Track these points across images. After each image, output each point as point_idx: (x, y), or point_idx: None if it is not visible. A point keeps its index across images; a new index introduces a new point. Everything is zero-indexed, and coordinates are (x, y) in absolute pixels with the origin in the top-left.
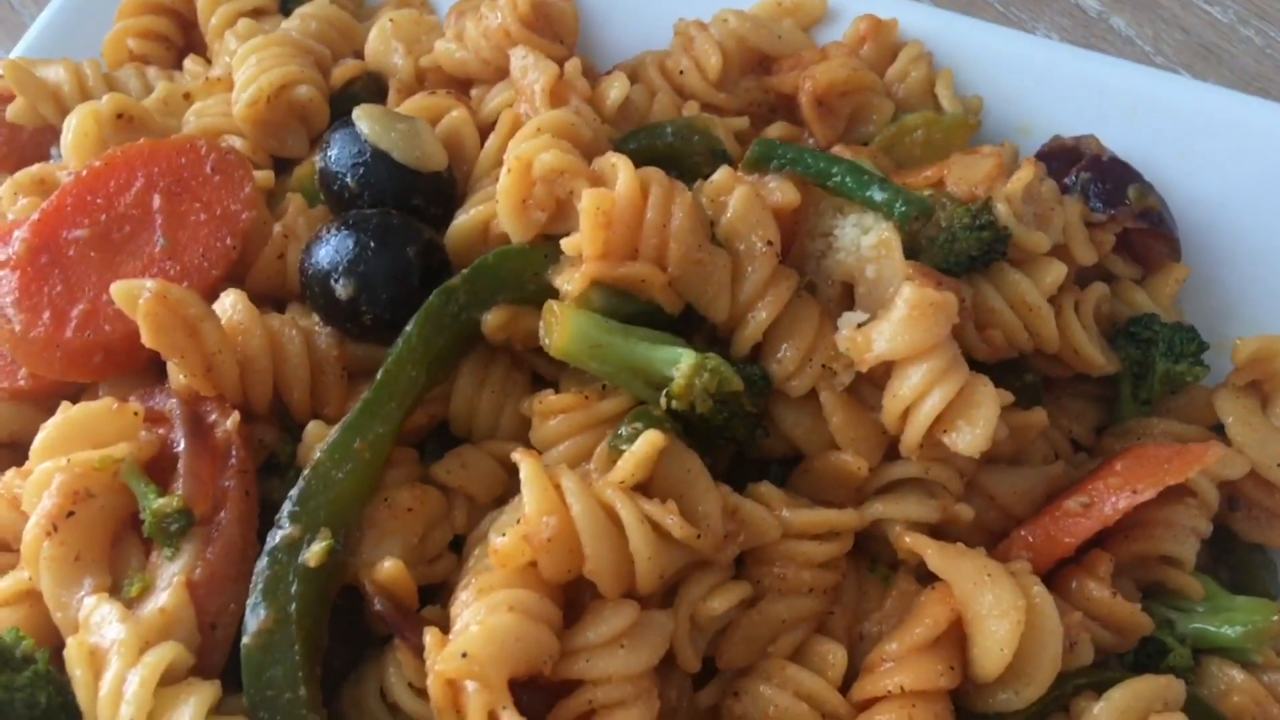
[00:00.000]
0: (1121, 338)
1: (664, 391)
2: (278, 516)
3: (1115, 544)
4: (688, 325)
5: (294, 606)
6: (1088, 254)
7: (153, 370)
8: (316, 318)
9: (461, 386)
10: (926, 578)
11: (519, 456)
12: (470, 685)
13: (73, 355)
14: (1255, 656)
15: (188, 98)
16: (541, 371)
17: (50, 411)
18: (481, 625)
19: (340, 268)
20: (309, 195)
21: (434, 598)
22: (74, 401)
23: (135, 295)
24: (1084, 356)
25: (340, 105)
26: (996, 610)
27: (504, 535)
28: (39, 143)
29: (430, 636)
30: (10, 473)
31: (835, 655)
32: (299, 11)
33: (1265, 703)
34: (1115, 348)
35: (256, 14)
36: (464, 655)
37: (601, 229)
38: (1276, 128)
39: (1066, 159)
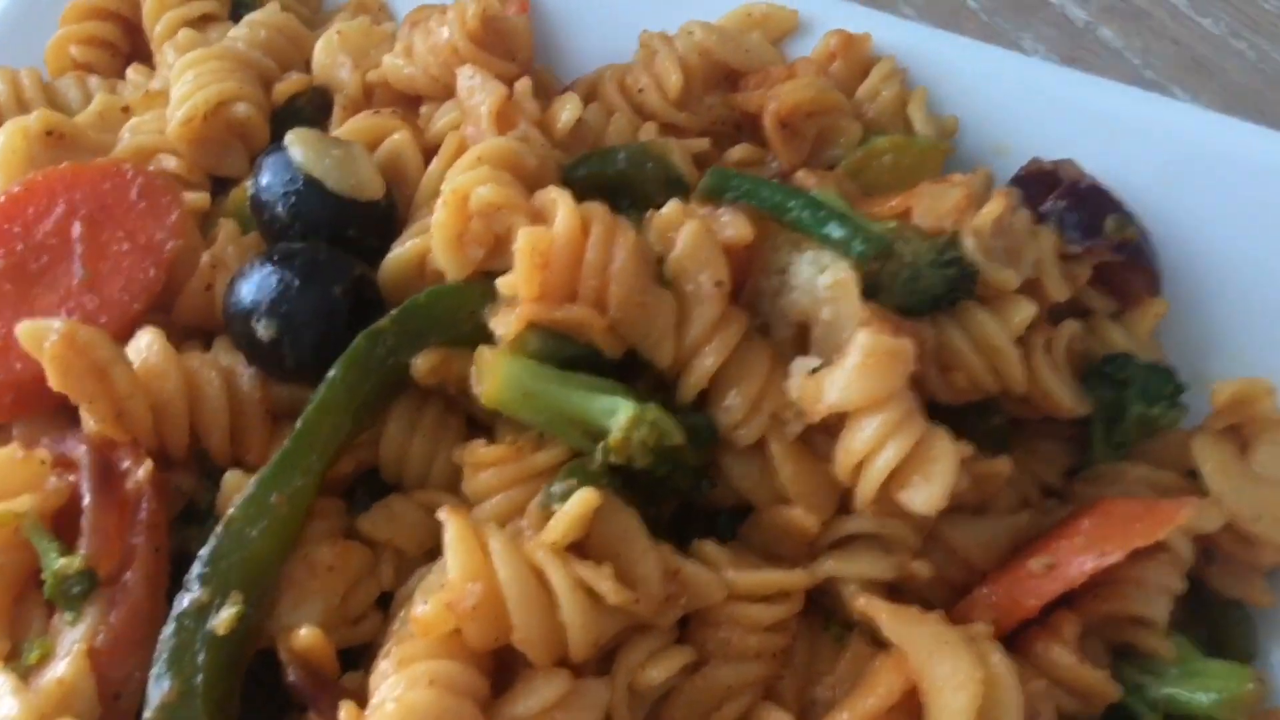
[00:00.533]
0: (1094, 378)
1: (600, 445)
2: (186, 578)
3: (1083, 603)
4: (631, 369)
5: (200, 678)
6: (1061, 290)
7: (67, 411)
8: (241, 356)
9: (391, 433)
10: (881, 640)
11: (444, 515)
12: None
13: None
14: None
15: (126, 111)
16: (477, 416)
17: None
18: (399, 703)
19: (262, 307)
20: (244, 220)
21: (358, 660)
22: None
23: (41, 337)
24: (1053, 400)
25: (284, 122)
26: (953, 681)
27: (425, 603)
28: None
29: (345, 714)
30: None
31: None
32: (248, 19)
33: None
34: (1088, 388)
35: (205, 20)
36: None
37: (538, 270)
38: (1265, 155)
39: (1044, 184)
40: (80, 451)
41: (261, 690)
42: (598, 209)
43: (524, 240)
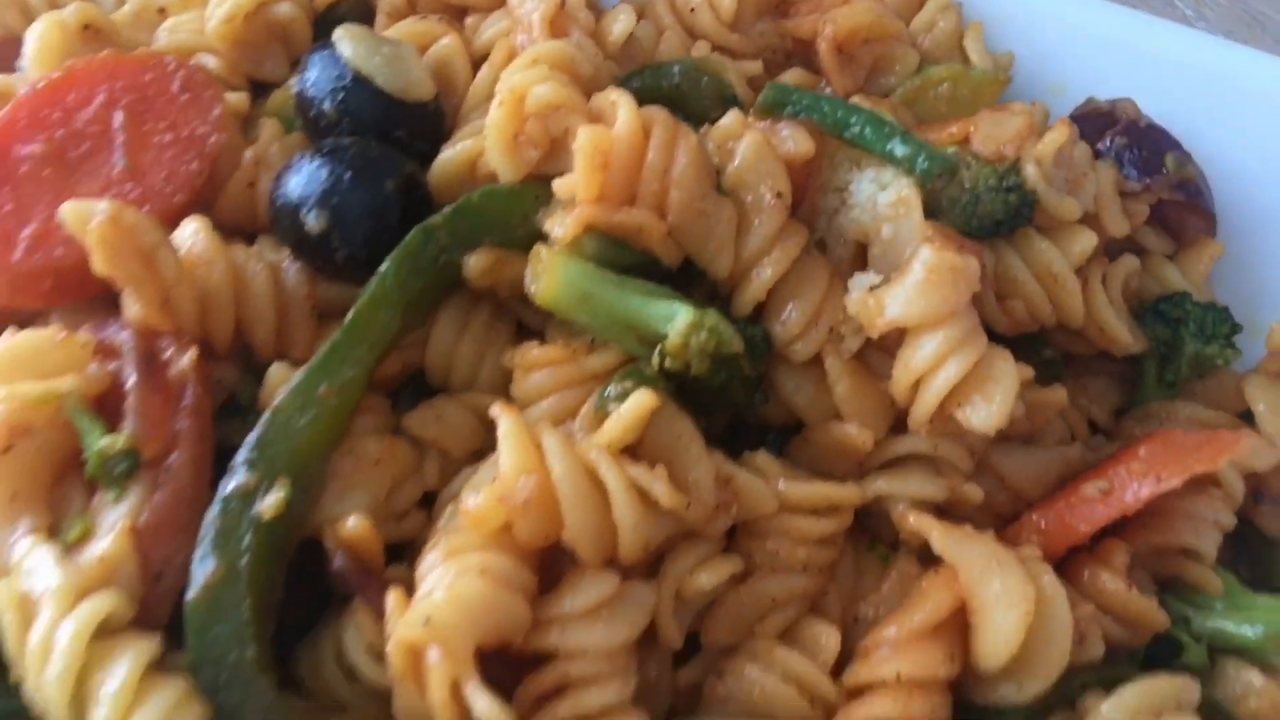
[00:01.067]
0: (1150, 316)
1: (657, 349)
2: (233, 463)
3: (1132, 533)
4: (686, 280)
5: (245, 560)
6: (1120, 225)
7: (108, 301)
8: (286, 253)
9: (439, 333)
10: (929, 560)
11: (498, 411)
12: (433, 654)
13: (20, 280)
14: (1275, 660)
15: (162, 12)
16: (527, 321)
17: None
18: (449, 590)
19: (312, 199)
20: (286, 121)
21: (400, 557)
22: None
23: (86, 218)
24: (1109, 334)
25: (324, 28)
26: (1004, 599)
27: (478, 494)
28: (3, 55)
29: (393, 598)
30: None
31: (828, 638)
32: None
33: None
34: (1142, 326)
35: None
36: (427, 621)
37: (598, 171)
38: None
39: (1100, 123)
40: (124, 336)
41: (303, 583)
42: (659, 112)
43: (585, 139)
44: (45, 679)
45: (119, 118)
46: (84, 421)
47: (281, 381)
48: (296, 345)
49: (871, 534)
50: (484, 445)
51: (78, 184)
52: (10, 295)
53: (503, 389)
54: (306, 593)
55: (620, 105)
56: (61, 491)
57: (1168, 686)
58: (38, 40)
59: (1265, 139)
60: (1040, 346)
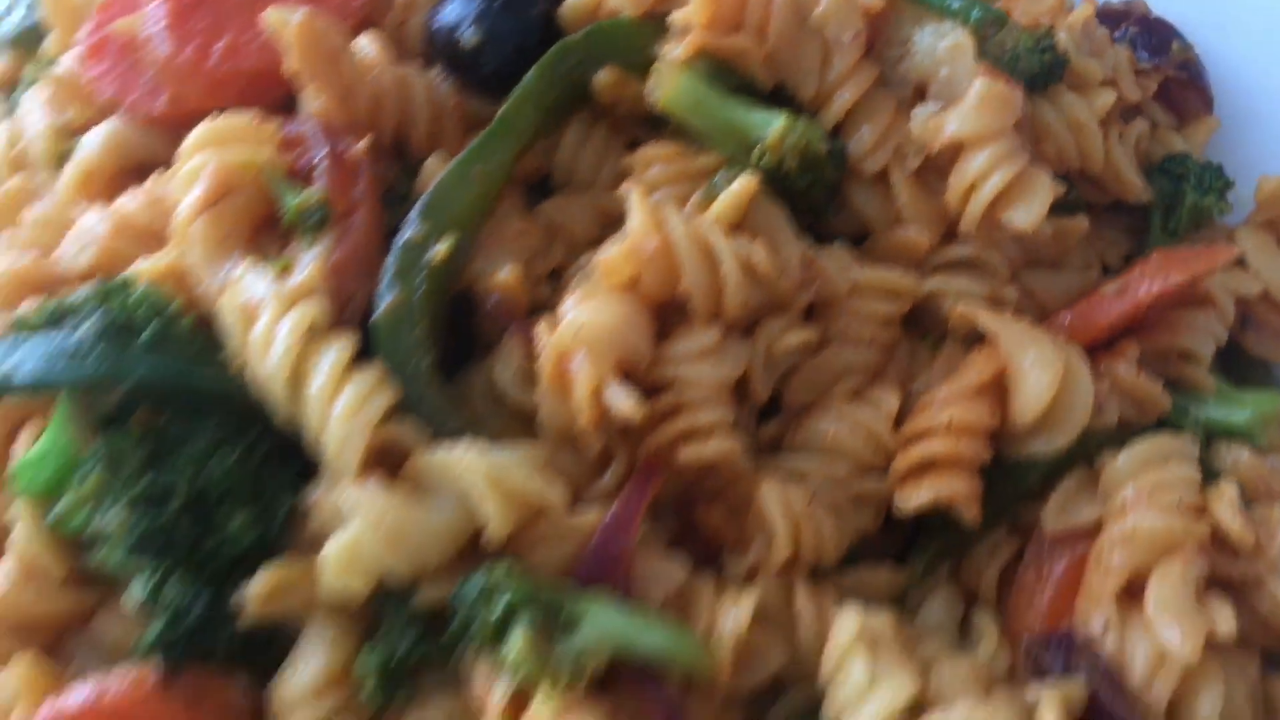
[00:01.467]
0: (1156, 172)
1: (757, 147)
2: (405, 218)
3: (1141, 336)
4: (774, 105)
5: (420, 292)
6: (1133, 91)
7: (284, 108)
8: (437, 72)
9: (568, 139)
10: (972, 347)
11: (628, 187)
12: (579, 361)
13: (215, 83)
14: (1260, 440)
15: None
16: (640, 140)
17: (180, 139)
18: (593, 312)
19: (469, 19)
20: None
21: None
22: None
23: (286, 20)
24: (1124, 180)
25: None
26: (1038, 363)
27: (611, 250)
28: None
29: (544, 323)
30: (154, 176)
31: (889, 398)
32: None
33: (1269, 478)
34: (1150, 182)
35: None
36: (577, 330)
37: (710, 3)
38: None
39: (1116, 17)
40: (309, 124)
41: (453, 335)
42: None
43: None
44: (268, 365)
45: None
46: (280, 184)
47: (436, 171)
48: (447, 145)
49: (923, 329)
50: (601, 234)
51: (264, 5)
52: (205, 97)
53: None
54: (456, 344)
55: None
56: (258, 244)
57: (1174, 442)
58: None
59: (1256, 33)
60: (1067, 188)
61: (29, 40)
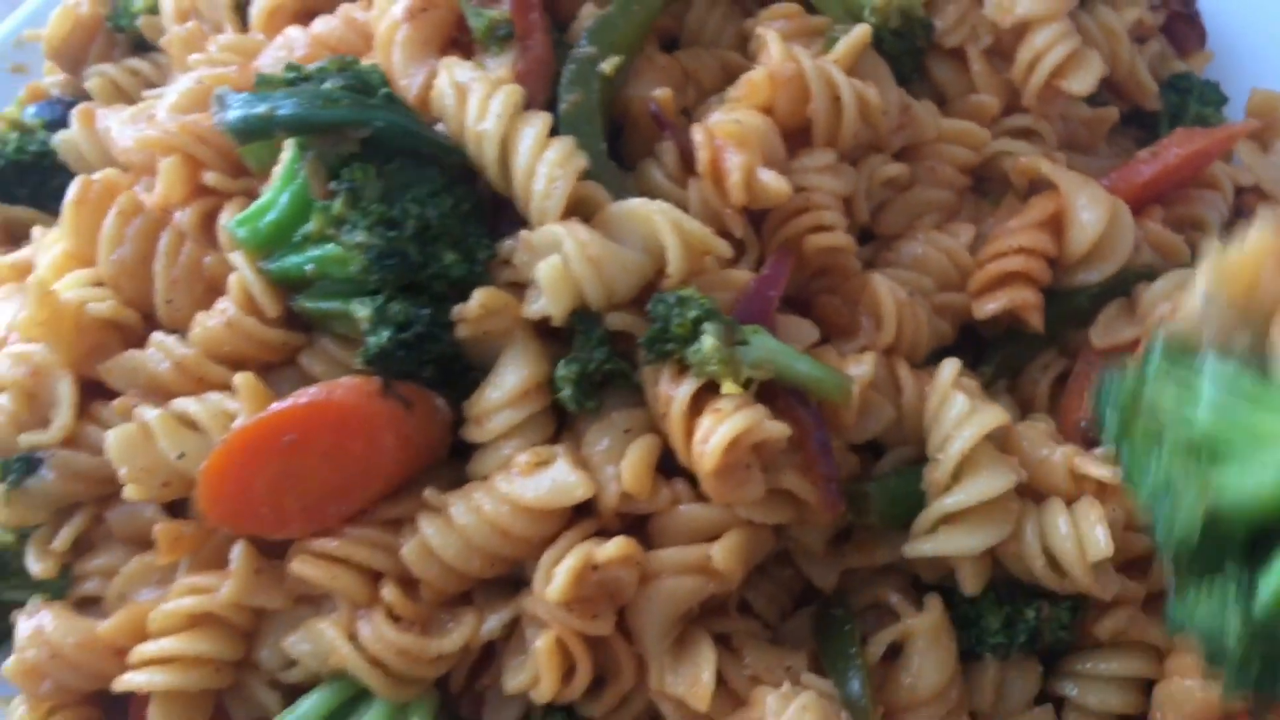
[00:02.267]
0: (1164, 88)
1: (867, 6)
2: (578, 42)
3: (1165, 205)
4: None
5: (595, 95)
6: (1149, 21)
7: None
8: None
9: (698, 2)
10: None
11: (764, 29)
12: (733, 155)
13: None
14: None
15: None
16: (753, 9)
17: None
18: (743, 115)
19: None
20: None
21: None
22: None
23: None
24: (1143, 85)
25: None
26: (1091, 203)
27: (756, 72)
28: None
29: (700, 128)
30: (343, 7)
31: (966, 229)
32: None
33: None
34: (1160, 96)
35: None
36: (731, 127)
37: None
38: None
39: None
40: None
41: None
42: None
43: None
44: (485, 128)
45: None
46: (467, 4)
47: (590, 17)
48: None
49: (985, 189)
50: (724, 84)
51: None
52: None
53: (739, 52)
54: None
55: None
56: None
57: (1190, 274)
58: None
59: None
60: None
61: None
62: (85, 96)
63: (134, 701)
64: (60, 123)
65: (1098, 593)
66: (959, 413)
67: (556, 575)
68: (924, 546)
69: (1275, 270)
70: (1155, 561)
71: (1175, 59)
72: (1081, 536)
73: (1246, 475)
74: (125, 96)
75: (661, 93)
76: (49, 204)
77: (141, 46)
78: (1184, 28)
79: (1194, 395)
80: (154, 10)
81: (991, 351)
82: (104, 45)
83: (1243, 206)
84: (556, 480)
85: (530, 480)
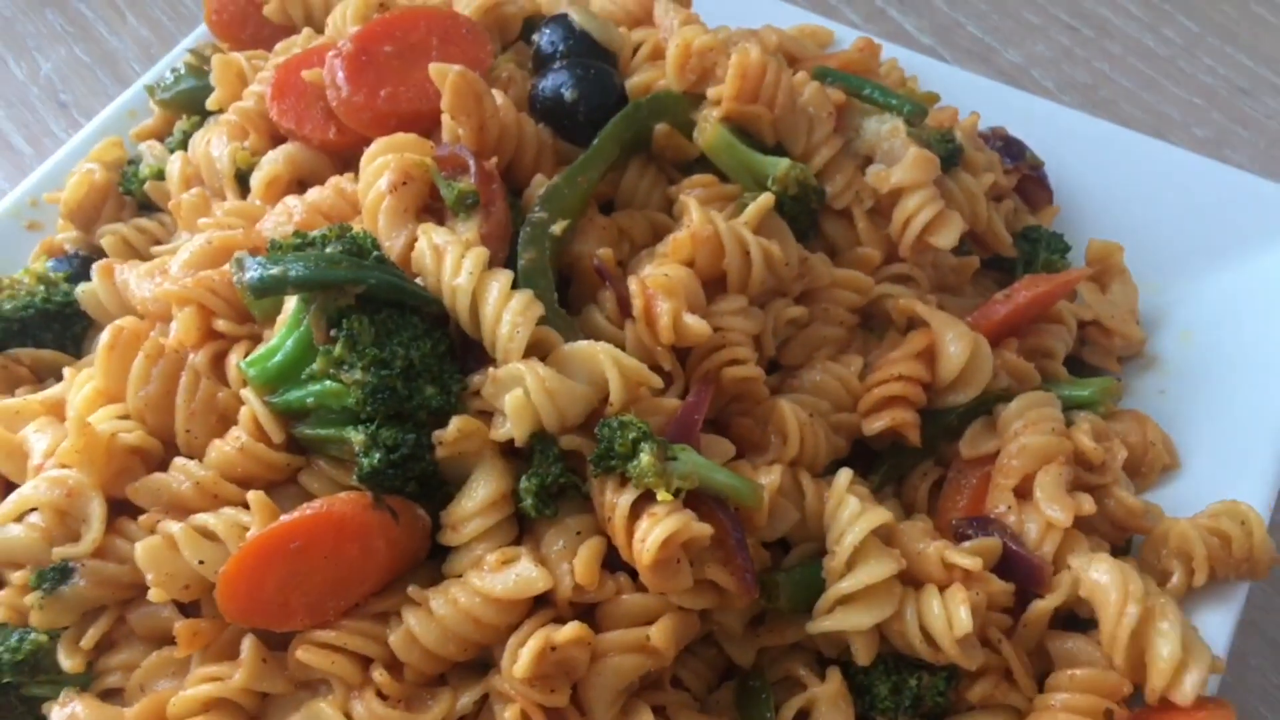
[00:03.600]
0: (1018, 239)
1: (770, 178)
2: (532, 207)
3: (1018, 338)
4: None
5: (546, 252)
6: (1004, 182)
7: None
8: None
9: (630, 172)
10: (906, 333)
11: (687, 198)
12: (662, 302)
13: (377, 117)
14: (1100, 408)
15: None
16: (676, 178)
17: (338, 165)
18: (672, 269)
19: (569, 82)
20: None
21: None
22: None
23: (446, 72)
24: (999, 238)
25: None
26: (957, 337)
27: (679, 233)
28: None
29: (635, 280)
30: (332, 180)
31: (855, 360)
32: None
33: (1107, 431)
34: (1014, 244)
35: None
36: (661, 278)
37: (740, 80)
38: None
39: (986, 137)
40: (457, 146)
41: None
42: (774, 57)
43: (736, 61)
44: (458, 284)
45: (434, 41)
46: (440, 178)
47: (540, 185)
48: (544, 170)
49: (870, 325)
50: (657, 237)
51: (413, 71)
52: (368, 128)
53: (665, 212)
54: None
55: (751, 49)
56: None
57: (1045, 395)
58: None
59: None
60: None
61: (182, 100)
62: (96, 251)
63: None
64: (77, 276)
65: (964, 664)
66: (851, 513)
67: (521, 655)
68: (824, 623)
69: None
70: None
71: (1027, 214)
72: (950, 616)
73: None
74: (134, 251)
75: (604, 252)
76: (70, 348)
77: (145, 207)
78: (1034, 186)
79: None
80: (160, 176)
81: (879, 462)
82: (114, 206)
83: (1085, 337)
84: (521, 575)
85: (499, 576)
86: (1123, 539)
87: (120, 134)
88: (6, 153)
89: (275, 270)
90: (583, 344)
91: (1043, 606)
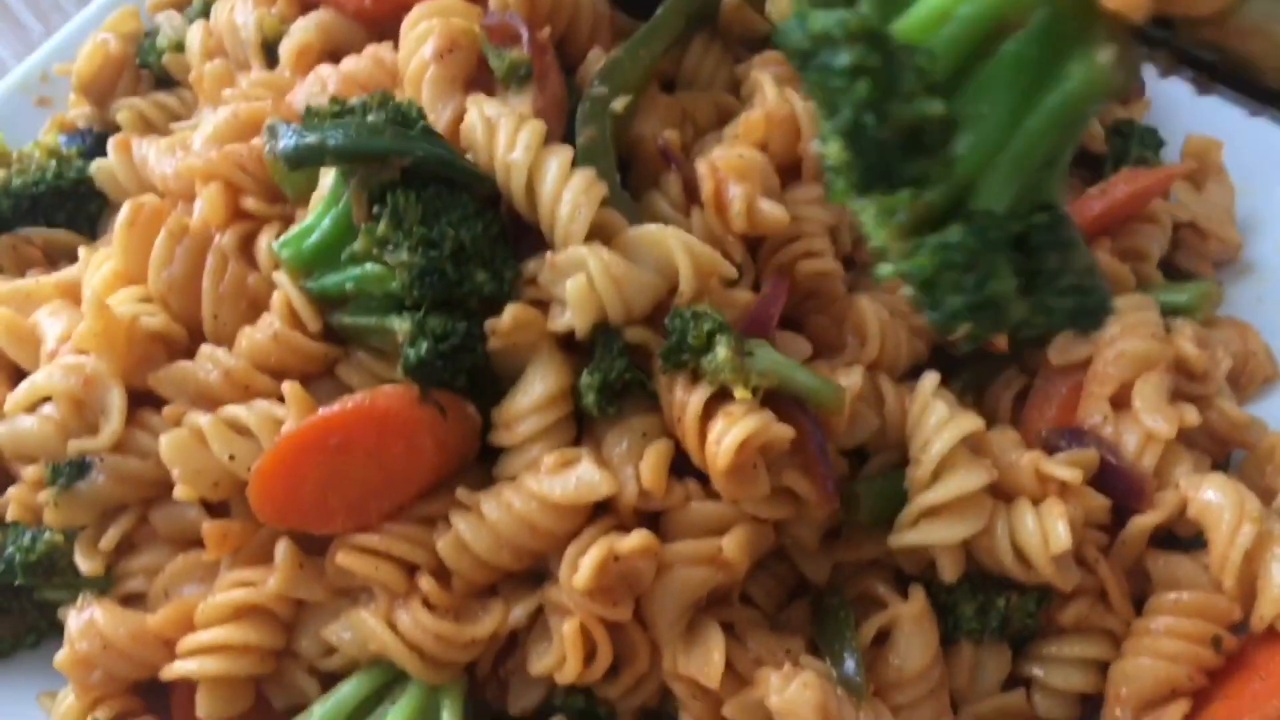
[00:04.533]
0: (1109, 132)
1: None
2: (591, 80)
3: (1111, 239)
4: None
5: (606, 130)
6: None
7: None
8: None
9: (694, 49)
10: None
11: (758, 73)
12: (735, 186)
13: None
14: (1198, 314)
15: None
16: (743, 57)
17: (373, 34)
18: (744, 151)
19: None
20: None
21: None
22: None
23: None
24: (1091, 130)
25: None
26: None
27: (751, 113)
28: None
29: (704, 162)
30: (370, 48)
31: None
32: None
33: (1208, 342)
34: (1105, 139)
35: None
36: (738, 158)
37: None
38: None
39: None
40: (508, 13)
41: None
42: None
43: None
44: (514, 160)
45: None
46: (489, 47)
47: (597, 60)
48: (601, 44)
49: None
50: (719, 123)
51: None
52: None
53: (732, 94)
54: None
55: None
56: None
57: (1143, 298)
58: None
59: None
60: None
61: None
62: (111, 128)
63: (176, 690)
64: (91, 152)
65: (1059, 584)
66: (939, 419)
67: (581, 565)
68: (908, 537)
69: None
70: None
71: (1118, 105)
72: (1045, 532)
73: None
74: (152, 128)
75: (671, 133)
76: (84, 228)
77: (164, 82)
78: None
79: None
80: (179, 49)
81: (960, 369)
82: (130, 80)
83: (1178, 240)
84: (582, 479)
85: (557, 479)
86: (1223, 454)
87: (136, 4)
88: (15, 29)
89: (312, 139)
90: (650, 227)
91: (1143, 523)
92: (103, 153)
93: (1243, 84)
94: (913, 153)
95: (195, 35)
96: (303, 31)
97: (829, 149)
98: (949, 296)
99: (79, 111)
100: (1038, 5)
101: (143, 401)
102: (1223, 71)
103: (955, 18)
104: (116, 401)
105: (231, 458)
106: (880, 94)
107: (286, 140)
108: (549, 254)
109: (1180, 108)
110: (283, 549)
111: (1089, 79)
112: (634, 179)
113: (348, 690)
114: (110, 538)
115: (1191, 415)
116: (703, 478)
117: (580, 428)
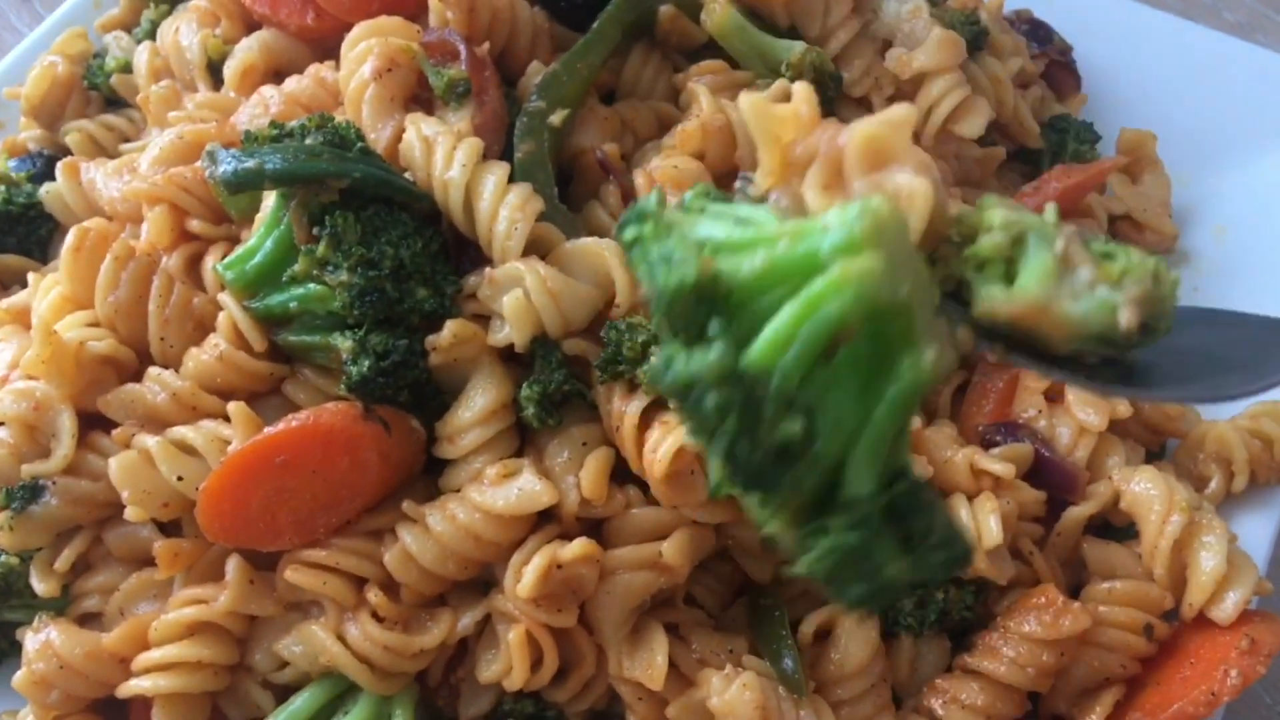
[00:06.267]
0: (1045, 128)
1: (784, 64)
2: (529, 95)
3: None
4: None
5: (544, 144)
6: (1031, 68)
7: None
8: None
9: (633, 59)
10: None
11: (695, 85)
12: (670, 198)
13: (360, 0)
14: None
15: None
16: (681, 66)
17: (316, 53)
18: (679, 162)
19: None
20: None
21: None
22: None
23: None
24: (1026, 127)
25: None
26: None
27: (687, 126)
28: None
29: (642, 173)
30: (312, 68)
31: None
32: None
33: None
34: (1042, 135)
35: None
36: (671, 170)
37: None
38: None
39: (1011, 20)
40: (446, 30)
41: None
42: None
43: None
44: (451, 177)
45: None
46: (428, 65)
47: (537, 73)
48: (540, 57)
49: None
50: (662, 130)
51: None
52: (348, 13)
53: (670, 103)
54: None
55: None
56: (408, 111)
57: None
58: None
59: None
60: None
61: None
62: (61, 150)
63: (134, 706)
64: (41, 175)
65: (994, 577)
66: None
67: (526, 574)
68: None
69: (808, 130)
70: (1043, 550)
71: (1054, 102)
72: (979, 526)
73: (742, 257)
74: (101, 150)
75: (610, 146)
76: (35, 252)
77: (113, 103)
78: (1061, 74)
79: (719, 213)
80: (126, 69)
81: None
82: (79, 102)
83: (1115, 232)
84: (524, 489)
85: (500, 490)
86: (1157, 443)
87: (85, 25)
88: None
89: (250, 163)
90: (587, 241)
91: (1077, 514)
92: (53, 176)
93: (1035, 353)
94: (783, 463)
95: (142, 56)
96: (246, 51)
97: (711, 466)
98: (850, 587)
99: (29, 134)
100: (864, 319)
101: (94, 424)
102: (1016, 342)
103: (798, 339)
104: (67, 425)
105: (180, 479)
106: (747, 424)
107: (226, 165)
108: (488, 269)
109: (1115, 102)
110: (233, 566)
111: (917, 375)
112: (574, 191)
113: (301, 703)
114: (65, 559)
115: (1123, 407)
116: (643, 485)
117: (523, 439)
